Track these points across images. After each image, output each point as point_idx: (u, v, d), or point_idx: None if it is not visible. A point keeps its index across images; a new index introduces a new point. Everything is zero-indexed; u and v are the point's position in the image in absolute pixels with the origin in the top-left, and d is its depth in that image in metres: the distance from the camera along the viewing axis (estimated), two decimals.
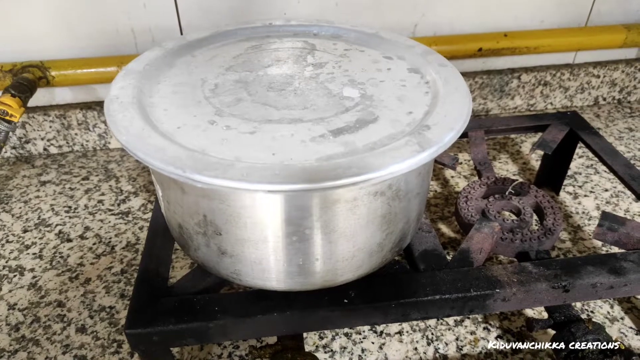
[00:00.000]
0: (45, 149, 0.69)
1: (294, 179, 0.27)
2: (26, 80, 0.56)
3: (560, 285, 0.36)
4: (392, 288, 0.35)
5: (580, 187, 0.63)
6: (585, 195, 0.61)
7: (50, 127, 0.67)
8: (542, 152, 0.68)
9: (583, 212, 0.59)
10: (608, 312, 0.47)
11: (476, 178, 0.64)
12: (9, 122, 0.53)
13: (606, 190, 0.62)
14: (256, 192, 0.28)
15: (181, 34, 0.64)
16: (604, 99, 0.82)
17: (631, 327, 0.45)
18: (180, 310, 0.34)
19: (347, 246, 0.32)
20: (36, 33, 0.61)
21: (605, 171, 0.66)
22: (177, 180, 0.31)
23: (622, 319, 0.46)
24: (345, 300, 0.34)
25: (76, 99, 0.67)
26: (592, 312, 0.47)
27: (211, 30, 0.44)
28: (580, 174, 0.65)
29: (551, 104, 0.80)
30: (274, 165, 0.28)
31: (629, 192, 0.62)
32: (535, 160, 0.68)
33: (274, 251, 0.32)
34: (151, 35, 0.63)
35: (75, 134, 0.69)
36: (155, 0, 0.61)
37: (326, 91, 0.36)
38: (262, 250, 0.32)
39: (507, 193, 0.50)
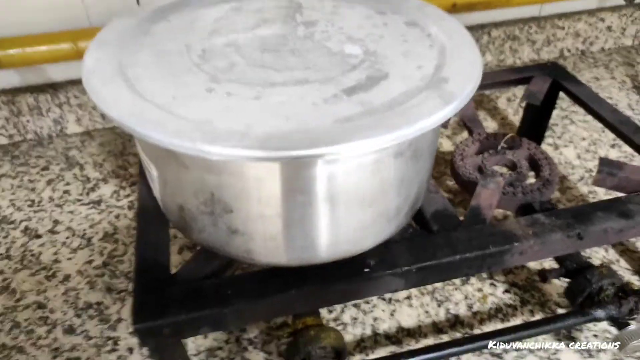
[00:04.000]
0: None
1: (319, 143, 0.24)
2: None
3: (575, 233, 0.36)
4: (410, 253, 0.34)
5: (559, 137, 0.64)
6: (565, 146, 0.62)
7: None
8: (517, 107, 0.68)
9: (566, 162, 0.60)
10: (604, 257, 0.48)
11: (459, 137, 0.63)
12: None
13: (583, 139, 0.63)
14: (273, 161, 0.26)
15: (138, 2, 0.59)
16: (569, 51, 0.83)
17: (627, 268, 0.46)
18: (190, 298, 0.31)
19: (368, 213, 0.31)
20: None
21: (580, 121, 0.67)
22: (180, 157, 0.28)
23: (617, 261, 0.47)
24: (366, 270, 0.33)
25: (25, 82, 0.60)
26: (589, 257, 0.48)
27: None
28: (557, 125, 0.66)
29: (519, 58, 0.80)
30: (293, 130, 0.25)
31: (605, 139, 0.63)
32: (512, 115, 0.68)
33: (291, 225, 0.29)
34: (106, 5, 0.57)
35: (27, 121, 0.62)
36: None
37: (325, 50, 0.34)
38: (278, 225, 0.29)
39: (499, 148, 0.49)
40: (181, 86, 0.29)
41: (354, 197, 0.29)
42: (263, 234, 0.30)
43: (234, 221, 0.30)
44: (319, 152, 0.24)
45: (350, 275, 0.33)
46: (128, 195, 0.55)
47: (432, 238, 0.35)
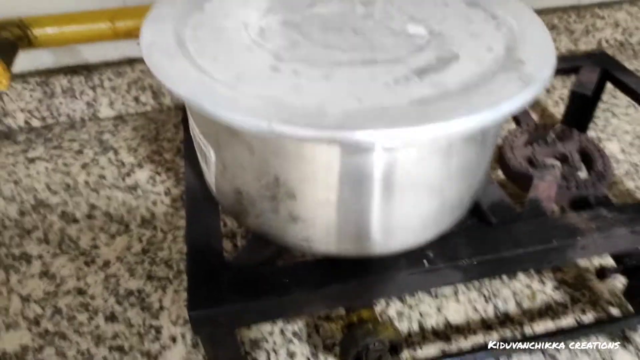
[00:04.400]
0: (26, 122, 0.62)
1: (401, 123, 0.23)
2: (5, 39, 0.48)
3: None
4: (471, 245, 0.33)
5: (601, 131, 0.62)
6: (608, 139, 0.60)
7: (31, 96, 0.60)
8: (559, 98, 0.67)
9: (610, 156, 0.58)
10: None
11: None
12: None
13: (627, 132, 0.61)
14: (347, 144, 0.24)
15: None
16: (607, 42, 0.80)
17: None
18: (247, 285, 0.30)
19: (434, 202, 0.29)
20: None
21: (622, 114, 0.65)
22: (246, 138, 0.26)
23: None
24: (425, 262, 0.31)
25: (59, 63, 0.60)
26: None
27: None
28: (599, 117, 0.64)
29: (557, 48, 0.78)
30: (371, 110, 0.24)
31: None
32: (552, 106, 0.66)
33: (355, 213, 0.28)
34: None
35: (60, 103, 0.61)
36: None
37: (389, 30, 0.32)
38: (341, 212, 0.28)
39: (549, 139, 0.47)
40: (245, 64, 0.28)
41: (422, 184, 0.28)
42: (325, 221, 0.29)
43: (296, 207, 0.28)
44: (405, 132, 0.23)
45: (409, 267, 0.31)
46: (164, 181, 0.54)
47: (492, 230, 0.34)
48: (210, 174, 0.32)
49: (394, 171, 0.26)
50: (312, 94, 0.25)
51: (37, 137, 0.61)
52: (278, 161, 0.26)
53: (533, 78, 0.26)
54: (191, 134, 0.33)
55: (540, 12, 0.73)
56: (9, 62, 0.46)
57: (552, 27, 0.75)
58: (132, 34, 0.54)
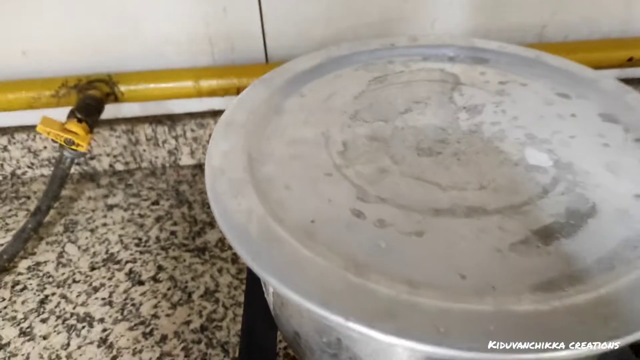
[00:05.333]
0: (111, 166, 0.63)
1: (518, 335, 0.17)
2: (93, 99, 0.48)
3: None
4: None
5: None
6: None
7: (117, 142, 0.60)
8: None
9: None
10: None
11: None
12: (75, 150, 0.46)
13: None
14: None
15: (264, 41, 0.55)
16: None
17: None
18: None
19: None
20: (102, 40, 0.53)
21: None
22: None
23: None
24: None
25: (145, 112, 0.60)
26: None
27: (320, 57, 0.35)
28: None
29: None
30: (477, 299, 0.18)
31: None
32: None
33: None
34: (231, 43, 0.54)
35: (144, 150, 0.62)
36: (237, 3, 0.51)
37: (501, 156, 0.26)
38: None
39: None
40: (321, 202, 0.24)
41: None
42: None
43: None
44: (516, 356, 0.17)
45: None
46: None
47: None
48: (269, 302, 0.28)
49: None
50: (399, 262, 0.20)
51: (119, 182, 0.61)
52: (343, 329, 0.22)
53: None
54: None
55: None
56: (92, 123, 0.46)
57: None
58: (216, 93, 0.52)
